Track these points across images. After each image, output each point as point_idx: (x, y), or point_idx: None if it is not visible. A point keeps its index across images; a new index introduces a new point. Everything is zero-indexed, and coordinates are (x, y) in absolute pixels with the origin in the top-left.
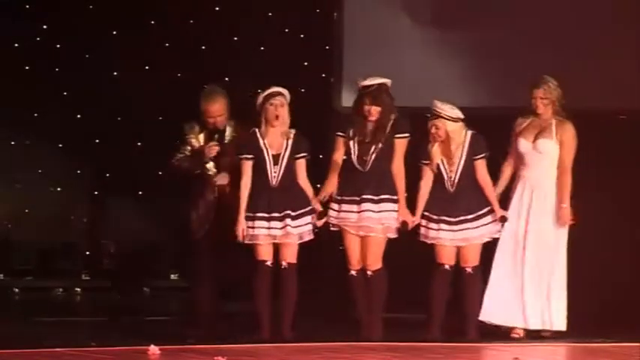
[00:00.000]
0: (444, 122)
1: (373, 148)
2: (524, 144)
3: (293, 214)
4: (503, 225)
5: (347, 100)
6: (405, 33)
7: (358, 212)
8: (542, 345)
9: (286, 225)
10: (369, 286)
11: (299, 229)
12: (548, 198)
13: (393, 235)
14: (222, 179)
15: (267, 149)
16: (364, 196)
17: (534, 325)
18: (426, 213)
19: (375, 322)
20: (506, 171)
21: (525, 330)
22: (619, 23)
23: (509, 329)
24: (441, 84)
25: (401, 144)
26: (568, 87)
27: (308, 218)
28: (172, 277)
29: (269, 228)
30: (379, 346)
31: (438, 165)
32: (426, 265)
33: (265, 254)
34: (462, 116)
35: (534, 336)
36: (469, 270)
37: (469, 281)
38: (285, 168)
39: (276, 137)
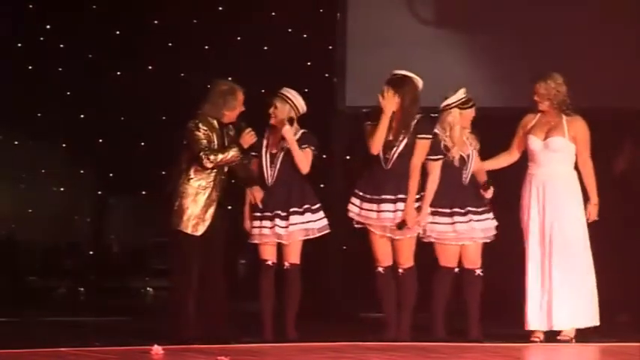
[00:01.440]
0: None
1: (396, 146)
2: (535, 142)
3: (283, 214)
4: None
5: (350, 100)
6: (408, 33)
7: (377, 212)
8: (544, 345)
9: (275, 225)
10: (399, 285)
11: (293, 228)
12: (561, 196)
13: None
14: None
15: (266, 148)
16: (383, 196)
17: (565, 325)
18: (437, 209)
19: (404, 321)
20: (503, 157)
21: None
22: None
23: (530, 333)
24: (445, 84)
25: (422, 145)
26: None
27: (307, 216)
28: None
29: (260, 227)
30: (383, 346)
31: (461, 156)
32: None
33: (266, 254)
34: None
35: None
36: (477, 272)
37: (475, 282)
38: (280, 168)
39: (278, 136)
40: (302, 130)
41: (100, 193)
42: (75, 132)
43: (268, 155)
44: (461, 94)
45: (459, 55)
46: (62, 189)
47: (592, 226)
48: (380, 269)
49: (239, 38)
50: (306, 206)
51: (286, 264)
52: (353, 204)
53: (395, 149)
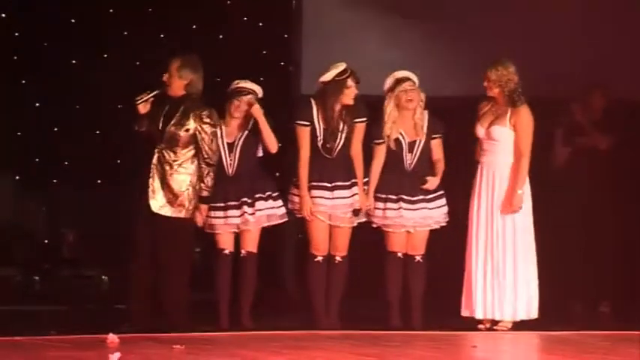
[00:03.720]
0: (416, 86)
1: (340, 135)
2: (479, 130)
3: (249, 200)
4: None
5: (306, 88)
6: (364, 21)
7: (331, 199)
8: (501, 334)
9: (244, 212)
10: (332, 273)
11: (259, 214)
12: (503, 185)
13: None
14: None
15: (222, 138)
16: (336, 183)
17: (497, 315)
18: (383, 195)
19: (334, 309)
20: None
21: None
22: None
23: (477, 321)
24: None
25: (359, 128)
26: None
27: (270, 202)
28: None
29: (226, 217)
30: (338, 335)
31: (396, 141)
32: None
33: (223, 243)
34: None
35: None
36: (417, 258)
37: (417, 270)
38: (239, 156)
39: (234, 126)
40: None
41: (55, 181)
42: (30, 120)
43: (226, 145)
44: (394, 75)
45: (414, 43)
46: (17, 177)
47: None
48: (319, 258)
49: (194, 27)
50: (268, 193)
51: (243, 252)
52: (293, 194)
53: (335, 138)
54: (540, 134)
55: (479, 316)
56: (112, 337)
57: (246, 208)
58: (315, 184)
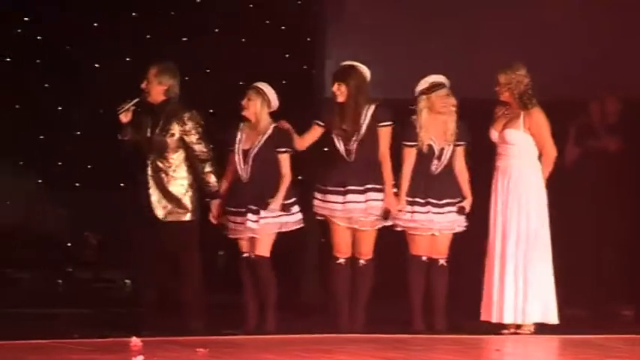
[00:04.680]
0: (449, 92)
1: (355, 137)
2: (493, 134)
3: (254, 208)
4: (460, 214)
5: (328, 91)
6: (387, 23)
7: (343, 203)
8: (525, 337)
9: (246, 220)
10: (357, 276)
11: (263, 222)
12: (520, 189)
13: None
14: None
15: (239, 144)
16: (350, 187)
17: (519, 319)
18: (411, 197)
19: (359, 312)
20: None
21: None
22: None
23: (501, 326)
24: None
25: (384, 132)
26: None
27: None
28: None
29: (235, 222)
30: (360, 338)
31: (428, 146)
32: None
33: (242, 247)
34: None
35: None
36: (441, 262)
37: (440, 273)
38: (253, 163)
39: (251, 133)
40: (273, 125)
41: (77, 185)
42: (53, 124)
43: (241, 152)
44: (428, 79)
45: (439, 45)
46: (40, 181)
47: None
48: (341, 261)
49: (217, 30)
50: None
51: (252, 255)
52: (316, 198)
53: (354, 140)
54: (553, 136)
55: (501, 320)
56: (136, 341)
57: (250, 215)
58: (330, 188)
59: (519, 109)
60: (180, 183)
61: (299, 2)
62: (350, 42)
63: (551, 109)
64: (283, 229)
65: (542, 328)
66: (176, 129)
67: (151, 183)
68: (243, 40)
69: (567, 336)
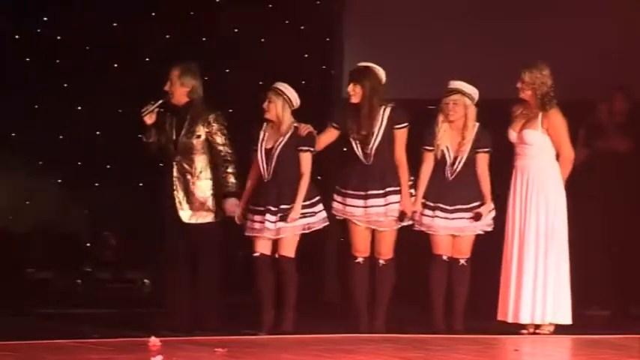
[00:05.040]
0: (463, 98)
1: (373, 140)
2: (511, 134)
3: (273, 209)
4: (476, 220)
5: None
6: (406, 25)
7: (364, 207)
8: (543, 337)
9: (265, 220)
10: (378, 276)
11: (280, 225)
12: (539, 188)
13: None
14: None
15: (261, 143)
16: (370, 192)
17: (538, 319)
18: (423, 200)
19: (380, 313)
20: None
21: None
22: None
23: (520, 326)
24: (442, 76)
25: (400, 134)
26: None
27: (305, 210)
28: None
29: (252, 221)
30: (379, 338)
31: (442, 152)
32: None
33: (259, 247)
34: (477, 97)
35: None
36: (462, 261)
37: (460, 274)
38: (276, 163)
39: (274, 132)
40: (295, 124)
41: (97, 185)
42: (72, 124)
43: (264, 151)
44: (449, 84)
45: (458, 47)
46: (59, 180)
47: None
48: (359, 260)
49: (236, 30)
50: (305, 200)
51: (277, 255)
52: (335, 201)
53: (372, 143)
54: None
55: (520, 320)
56: (154, 340)
57: (268, 215)
58: (350, 192)
59: (538, 110)
60: (205, 185)
61: (318, 2)
62: (369, 42)
63: (560, 110)
64: (307, 230)
65: (560, 329)
66: (202, 130)
67: (177, 184)
68: (263, 40)
69: (585, 336)
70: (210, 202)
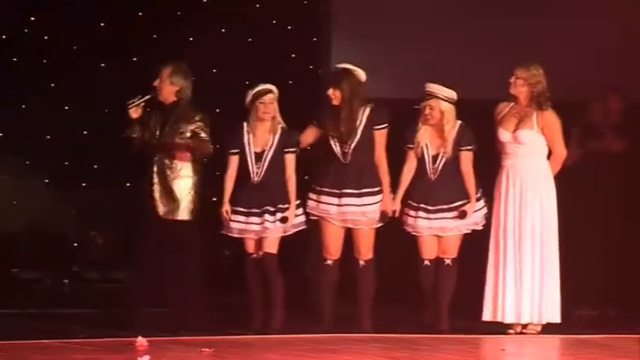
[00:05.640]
0: (438, 102)
1: (350, 140)
2: (504, 134)
3: (272, 209)
4: (461, 218)
5: None
6: (393, 24)
7: (338, 205)
8: (530, 337)
9: (264, 221)
10: (358, 278)
11: (278, 224)
12: (530, 188)
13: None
14: None
15: (249, 146)
16: (345, 190)
17: (526, 319)
18: (407, 200)
19: (364, 314)
20: None
21: (521, 325)
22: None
23: (507, 326)
24: (428, 75)
25: (379, 135)
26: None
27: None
28: None
29: (247, 223)
30: (367, 338)
31: (422, 150)
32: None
33: (250, 247)
34: (455, 98)
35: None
36: (447, 262)
37: (445, 274)
38: (268, 165)
39: (263, 134)
40: (281, 125)
41: (84, 184)
42: (60, 124)
43: (253, 154)
44: (426, 86)
45: (444, 46)
46: (47, 180)
47: (587, 218)
48: (329, 262)
49: (223, 30)
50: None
51: (261, 253)
52: (310, 199)
53: (351, 142)
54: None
55: (506, 320)
56: (141, 340)
57: (267, 216)
58: (325, 189)
59: (532, 109)
60: (184, 182)
61: (305, 2)
62: (356, 42)
63: (554, 110)
64: (292, 231)
65: (548, 328)
66: (186, 129)
67: (156, 181)
68: (250, 40)
69: (572, 336)
70: (189, 200)
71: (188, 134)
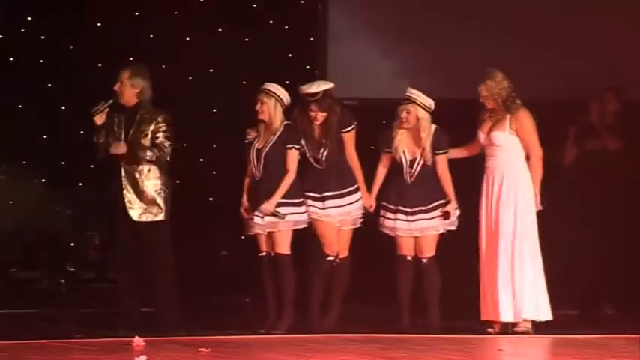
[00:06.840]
0: (416, 108)
1: (323, 147)
2: (480, 136)
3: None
4: (446, 219)
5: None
6: (389, 24)
7: (323, 209)
8: (526, 337)
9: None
10: (334, 273)
11: (268, 220)
12: (508, 189)
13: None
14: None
15: (253, 143)
16: (327, 194)
17: (507, 317)
18: (384, 203)
19: (334, 309)
20: (463, 148)
21: (503, 323)
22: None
23: (487, 324)
24: (423, 75)
25: (349, 137)
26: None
27: (294, 209)
28: None
29: (254, 218)
30: (364, 338)
31: (400, 156)
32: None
33: (262, 245)
34: (433, 107)
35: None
36: (425, 260)
37: (425, 271)
38: (265, 161)
39: (265, 132)
40: (285, 122)
41: (80, 184)
42: (56, 124)
43: (255, 151)
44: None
45: (440, 46)
46: (43, 180)
47: (579, 217)
48: (331, 258)
49: (220, 30)
50: (293, 199)
51: (273, 253)
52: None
53: (322, 150)
54: (553, 135)
55: (499, 319)
56: (138, 340)
57: (257, 212)
58: (307, 194)
59: (504, 112)
60: (153, 183)
61: (302, 2)
62: (353, 42)
63: (551, 109)
64: (297, 227)
65: (544, 328)
66: (150, 130)
67: (125, 184)
68: (247, 39)
69: (569, 336)
70: (160, 201)
71: (150, 135)
